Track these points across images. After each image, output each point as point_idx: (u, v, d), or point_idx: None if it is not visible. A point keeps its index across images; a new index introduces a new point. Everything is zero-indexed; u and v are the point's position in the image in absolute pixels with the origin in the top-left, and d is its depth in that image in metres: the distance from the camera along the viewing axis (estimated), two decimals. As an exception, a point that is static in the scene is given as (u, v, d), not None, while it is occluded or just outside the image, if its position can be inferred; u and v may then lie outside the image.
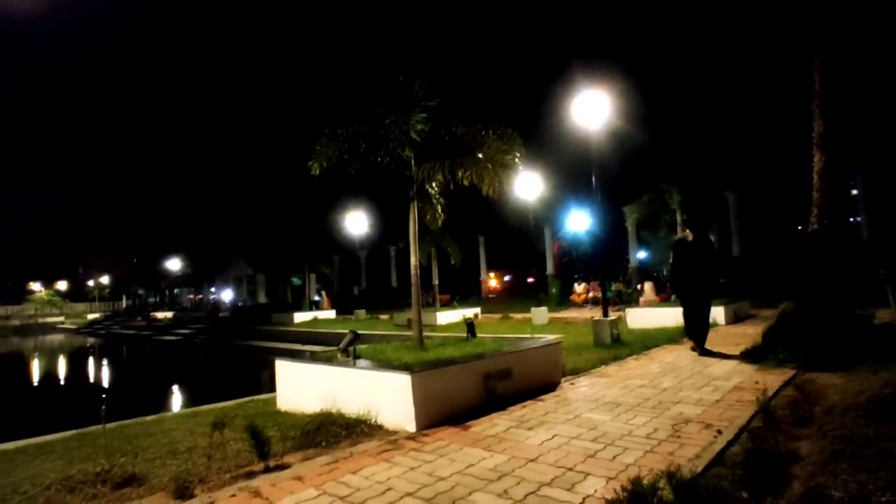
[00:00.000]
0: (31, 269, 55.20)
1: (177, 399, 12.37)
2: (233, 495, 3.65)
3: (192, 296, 49.80)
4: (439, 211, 8.03)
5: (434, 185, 7.52)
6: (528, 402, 5.91)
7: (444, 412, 5.26)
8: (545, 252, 29.81)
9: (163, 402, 11.45)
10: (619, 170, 21.76)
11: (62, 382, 17.79)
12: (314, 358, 6.66)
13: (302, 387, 6.26)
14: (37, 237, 55.09)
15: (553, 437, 4.57)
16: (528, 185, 17.90)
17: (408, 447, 4.52)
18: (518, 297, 30.91)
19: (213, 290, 50.03)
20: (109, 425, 6.07)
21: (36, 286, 55.35)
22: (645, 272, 24.12)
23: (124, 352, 28.43)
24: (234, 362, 19.85)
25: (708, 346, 8.54)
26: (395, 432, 5.02)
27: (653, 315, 13.00)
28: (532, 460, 4.02)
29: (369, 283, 38.15)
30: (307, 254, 30.40)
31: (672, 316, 12.18)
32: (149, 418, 6.77)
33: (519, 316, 18.87)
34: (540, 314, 16.61)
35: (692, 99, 22.17)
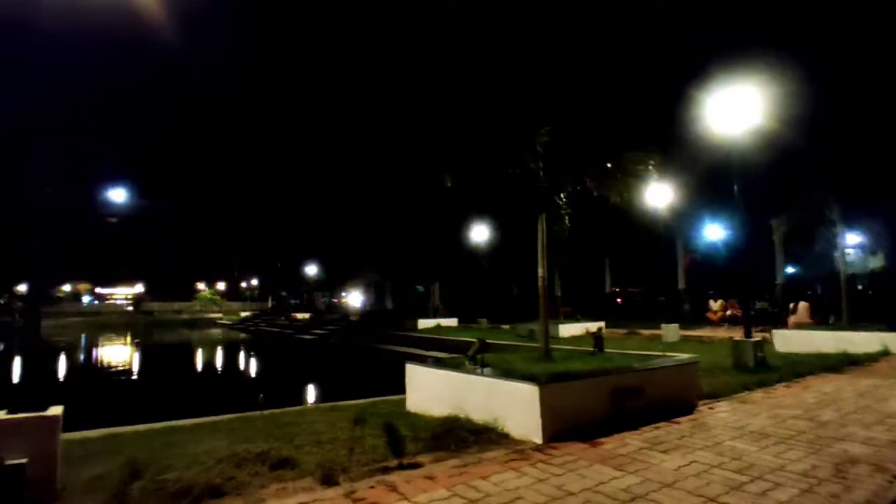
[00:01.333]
0: (197, 270, 63.94)
1: (314, 393, 13.46)
2: (371, 487, 3.93)
3: (323, 298, 54.12)
4: (566, 222, 7.94)
5: (562, 195, 7.46)
6: (662, 424, 5.61)
7: (571, 426, 5.18)
8: (676, 265, 27.93)
9: (304, 395, 12.55)
10: (764, 177, 19.75)
11: (222, 370, 20.19)
12: (443, 364, 6.91)
13: (430, 390, 6.53)
14: (202, 242, 63.57)
15: (690, 462, 4.31)
16: (658, 195, 16.95)
17: (535, 458, 4.53)
18: (644, 312, 29.28)
19: (343, 294, 53.75)
20: (264, 412, 6.86)
21: (201, 286, 63.89)
22: (795, 291, 21.58)
23: (269, 347, 31.50)
24: (363, 363, 21.12)
25: (881, 379, 7.72)
26: (522, 442, 5.04)
27: (806, 338, 11.63)
28: (668, 485, 3.82)
29: (492, 293, 38.48)
30: (432, 262, 31.43)
31: (830, 341, 10.82)
32: (294, 409, 7.50)
33: (647, 332, 17.89)
34: (671, 331, 15.62)
35: (852, 96, 19.50)
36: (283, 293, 61.16)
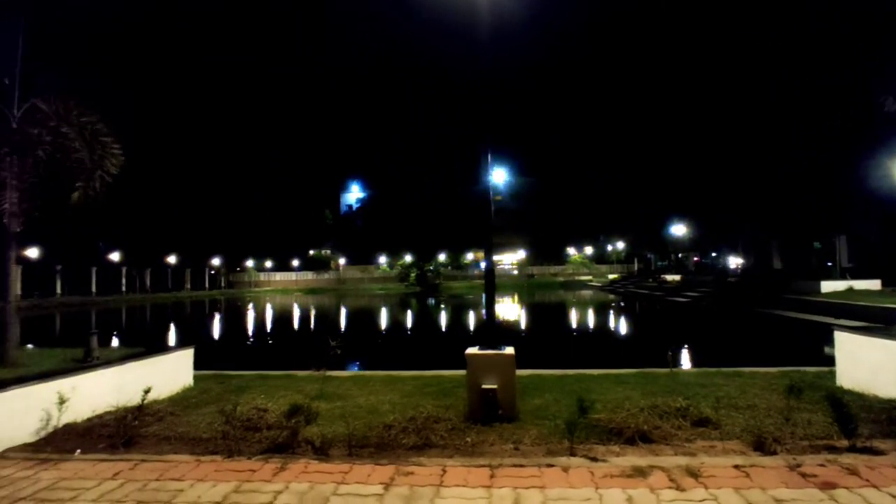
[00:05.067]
0: (567, 236, 69.13)
1: (697, 356, 12.83)
2: (821, 465, 3.52)
3: (696, 259, 50.77)
4: None
5: None
6: None
7: None
8: None
9: (687, 357, 12.12)
10: None
11: (606, 327, 21.39)
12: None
13: (878, 365, 5.36)
14: (572, 208, 68.19)
15: None
16: None
17: None
18: None
19: (713, 254, 49.28)
20: (662, 370, 6.96)
21: (571, 250, 69.01)
22: None
23: (641, 308, 31.61)
24: (748, 329, 18.93)
25: None
26: None
27: None
28: None
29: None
30: (836, 211, 25.50)
31: None
32: (695, 370, 7.35)
33: None
34: None
35: None
36: (649, 255, 60.15)
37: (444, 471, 3.63)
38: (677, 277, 40.71)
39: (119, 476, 3.71)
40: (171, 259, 59.73)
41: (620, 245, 64.35)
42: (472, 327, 22.38)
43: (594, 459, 3.74)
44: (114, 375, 5.47)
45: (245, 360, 12.39)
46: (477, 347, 4.93)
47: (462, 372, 6.91)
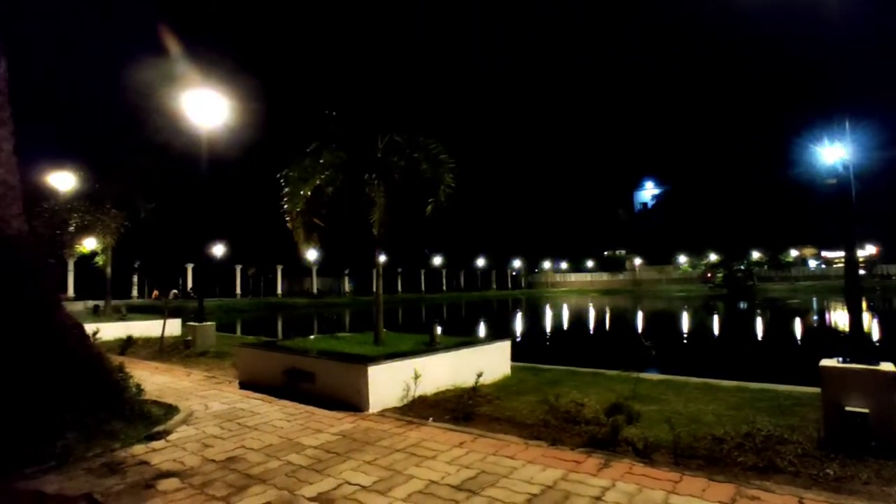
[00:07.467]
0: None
1: None
2: None
3: None
4: None
5: None
6: None
7: None
8: None
9: None
10: None
11: None
12: None
13: None
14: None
15: None
16: None
17: None
18: None
19: None
20: None
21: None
22: None
23: None
24: None
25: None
26: None
27: None
28: None
29: None
30: None
31: None
32: None
33: None
34: None
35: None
36: None
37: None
38: None
39: (463, 446, 4.29)
40: (480, 262, 67.30)
41: None
42: (799, 337, 18.70)
43: None
44: (450, 359, 6.39)
45: (553, 354, 12.95)
46: (836, 359, 4.04)
47: (803, 388, 5.82)
